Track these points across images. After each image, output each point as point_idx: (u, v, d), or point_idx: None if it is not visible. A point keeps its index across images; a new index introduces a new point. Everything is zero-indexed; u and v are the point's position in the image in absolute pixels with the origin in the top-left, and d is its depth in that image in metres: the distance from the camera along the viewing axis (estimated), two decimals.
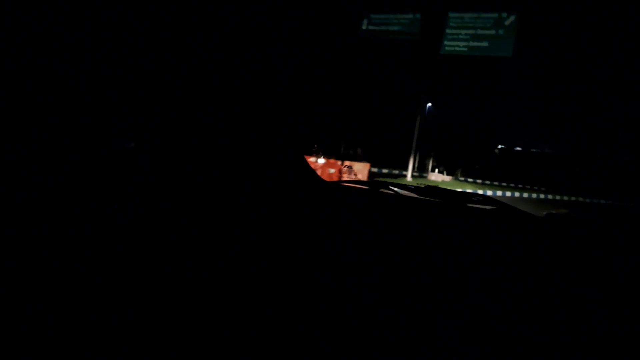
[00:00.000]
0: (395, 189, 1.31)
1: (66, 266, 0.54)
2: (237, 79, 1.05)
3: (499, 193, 14.45)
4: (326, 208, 1.04)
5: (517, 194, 15.60)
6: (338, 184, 1.46)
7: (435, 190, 1.29)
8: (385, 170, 19.77)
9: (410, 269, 0.68)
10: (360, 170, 8.74)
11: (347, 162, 8.74)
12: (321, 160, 8.35)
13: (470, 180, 22.41)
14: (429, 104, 24.79)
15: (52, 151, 0.68)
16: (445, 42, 11.70)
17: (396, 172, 19.15)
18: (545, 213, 1.14)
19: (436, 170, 21.24)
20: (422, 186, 1.31)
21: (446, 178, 19.10)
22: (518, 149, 37.96)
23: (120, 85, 0.79)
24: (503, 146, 37.90)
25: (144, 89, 0.84)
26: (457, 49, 11.55)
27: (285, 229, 0.81)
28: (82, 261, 0.55)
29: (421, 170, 22.78)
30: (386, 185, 1.36)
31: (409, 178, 16.31)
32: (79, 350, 0.43)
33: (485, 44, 11.21)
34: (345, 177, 8.34)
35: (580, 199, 17.23)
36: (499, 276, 0.69)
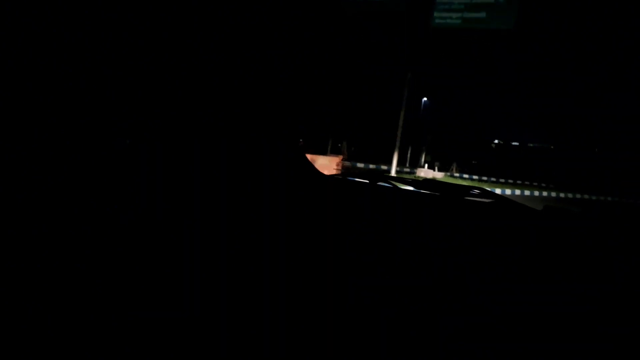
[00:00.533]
0: (394, 182, 1.32)
1: (66, 266, 0.56)
2: (237, 78, 1.07)
3: (498, 191, 12.87)
4: (326, 207, 1.03)
5: (517, 192, 14.22)
6: (338, 179, 1.41)
7: (433, 183, 1.31)
8: (372, 166, 18.34)
9: (408, 265, 0.68)
10: (327, 165, 7.22)
11: (309, 156, 7.21)
12: None
13: (465, 176, 20.68)
14: (425, 99, 23.50)
15: (51, 151, 0.70)
16: (436, 14, 9.95)
17: (384, 167, 17.63)
18: (543, 206, 1.15)
19: (426, 165, 19.72)
20: (420, 179, 1.36)
21: (437, 174, 17.54)
22: (515, 143, 36.84)
23: (120, 84, 0.81)
24: (500, 141, 36.72)
25: (144, 88, 0.86)
26: (449, 21, 9.79)
27: (285, 229, 0.81)
28: (81, 261, 0.57)
29: (414, 166, 21.35)
30: (385, 178, 1.36)
31: (392, 174, 14.69)
32: (79, 350, 0.44)
33: (482, 14, 9.46)
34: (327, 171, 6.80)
35: (586, 196, 16.17)
36: (499, 271, 0.69)
